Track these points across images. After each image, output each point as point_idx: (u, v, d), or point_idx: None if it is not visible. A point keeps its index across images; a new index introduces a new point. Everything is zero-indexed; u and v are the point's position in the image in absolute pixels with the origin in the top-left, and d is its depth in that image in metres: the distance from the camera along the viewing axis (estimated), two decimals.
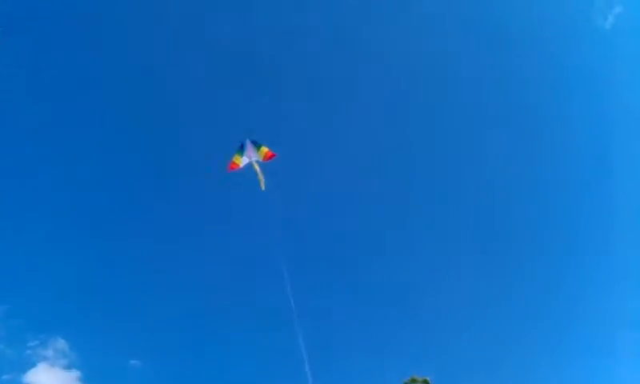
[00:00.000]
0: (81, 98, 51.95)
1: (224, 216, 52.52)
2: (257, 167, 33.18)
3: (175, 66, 53.77)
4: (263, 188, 32.95)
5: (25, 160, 47.11)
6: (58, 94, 51.42)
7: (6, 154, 46.61)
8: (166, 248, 48.37)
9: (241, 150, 33.32)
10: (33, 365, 41.26)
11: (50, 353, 40.57)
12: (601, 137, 52.99)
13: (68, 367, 41.24)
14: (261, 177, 32.92)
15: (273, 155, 33.52)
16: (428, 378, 29.35)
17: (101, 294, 43.50)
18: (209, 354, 44.80)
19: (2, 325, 39.46)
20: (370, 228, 53.92)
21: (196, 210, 51.54)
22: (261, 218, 35.52)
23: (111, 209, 48.92)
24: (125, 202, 48.83)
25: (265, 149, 33.25)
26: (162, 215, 51.06)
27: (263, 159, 33.42)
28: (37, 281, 39.90)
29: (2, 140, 46.87)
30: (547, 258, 51.67)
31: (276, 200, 33.96)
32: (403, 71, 56.18)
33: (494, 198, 53.70)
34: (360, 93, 57.80)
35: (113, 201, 49.12)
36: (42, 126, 50.10)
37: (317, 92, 56.34)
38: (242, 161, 33.27)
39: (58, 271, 40.65)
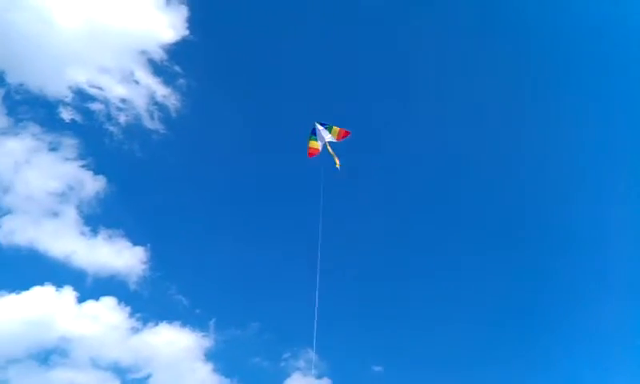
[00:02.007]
0: None
1: None
2: (330, 148, 32.78)
3: None
4: (338, 166, 32.32)
5: None
6: None
7: None
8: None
9: (314, 135, 32.95)
10: (287, 375, 44.22)
11: (301, 364, 43.62)
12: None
13: (319, 376, 43.97)
14: (336, 157, 32.42)
15: (347, 133, 32.75)
16: None
17: (342, 307, 46.64)
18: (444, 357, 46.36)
19: (257, 340, 42.90)
20: None
21: None
22: None
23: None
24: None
25: (336, 128, 32.70)
26: None
27: (337, 139, 32.78)
28: (284, 299, 43.88)
29: None
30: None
31: None
32: None
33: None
34: None
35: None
36: None
37: None
38: (319, 145, 32.88)
39: (303, 289, 44.35)
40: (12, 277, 40.15)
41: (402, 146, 50.90)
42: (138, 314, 41.66)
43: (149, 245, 43.21)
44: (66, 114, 43.38)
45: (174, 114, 46.12)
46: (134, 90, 45.12)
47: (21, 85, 42.89)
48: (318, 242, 33.44)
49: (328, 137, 32.73)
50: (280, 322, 44.07)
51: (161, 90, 45.35)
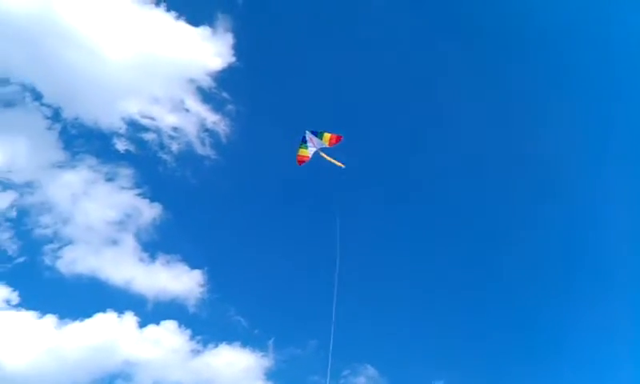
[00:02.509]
0: None
1: None
2: (324, 155, 33.02)
3: None
4: (343, 166, 32.57)
5: None
6: None
7: None
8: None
9: (304, 143, 33.22)
10: None
11: (361, 380, 44.11)
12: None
13: None
14: (333, 160, 32.71)
15: (339, 138, 32.86)
16: None
17: (403, 321, 47.47)
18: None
19: (316, 358, 43.86)
20: None
21: None
22: None
23: None
24: None
25: (327, 134, 32.81)
26: None
27: (329, 145, 32.93)
28: (341, 315, 44.63)
29: None
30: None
31: None
32: None
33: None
34: None
35: None
36: None
37: None
38: (308, 152, 33.25)
39: (359, 306, 45.39)
40: (75, 305, 41.53)
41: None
42: (199, 337, 42.58)
43: (206, 268, 44.23)
44: (121, 145, 45.15)
45: (224, 140, 47.39)
46: (184, 118, 46.58)
47: (76, 119, 44.91)
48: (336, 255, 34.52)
49: (319, 144, 33.05)
50: (337, 338, 44.53)
51: (210, 117, 46.71)
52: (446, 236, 49.51)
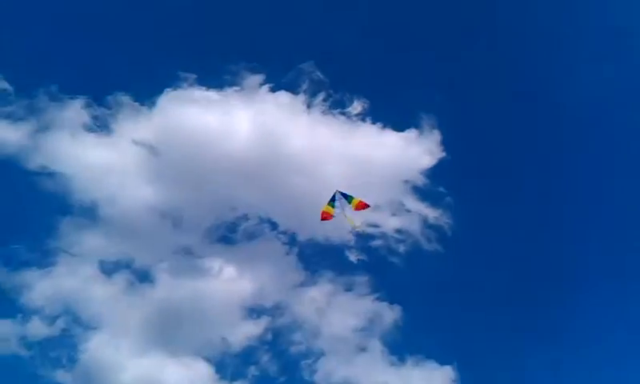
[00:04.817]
0: None
1: None
2: (347, 216, 34.45)
3: None
4: (357, 227, 34.87)
5: None
6: None
7: None
8: None
9: (332, 201, 34.45)
10: None
11: None
12: None
13: None
14: (352, 221, 34.41)
15: (366, 205, 34.33)
16: None
17: None
18: None
19: None
20: None
21: None
22: None
23: None
24: None
25: (356, 200, 34.11)
26: None
27: (355, 209, 34.30)
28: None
29: None
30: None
31: None
32: None
33: None
34: None
35: None
36: None
37: None
38: (333, 211, 34.55)
39: None
40: None
41: None
42: None
43: (455, 363, 44.06)
44: (353, 256, 47.76)
45: (448, 232, 48.27)
46: (407, 219, 48.42)
47: (310, 240, 48.65)
48: None
49: (347, 208, 34.12)
50: None
51: (431, 213, 48.07)
52: None
